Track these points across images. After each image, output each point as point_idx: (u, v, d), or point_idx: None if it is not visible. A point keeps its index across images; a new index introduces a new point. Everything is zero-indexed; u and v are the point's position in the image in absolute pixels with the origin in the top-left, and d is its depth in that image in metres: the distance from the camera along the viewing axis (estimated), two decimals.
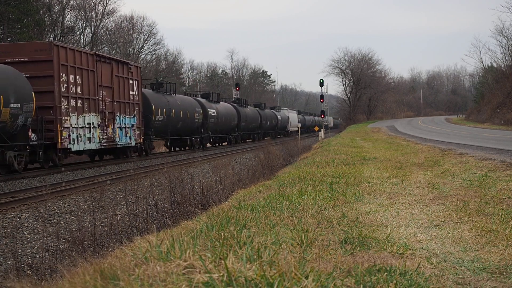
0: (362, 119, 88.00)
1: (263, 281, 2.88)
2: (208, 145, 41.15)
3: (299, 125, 60.09)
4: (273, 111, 66.71)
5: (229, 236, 4.26)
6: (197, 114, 36.87)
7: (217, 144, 45.46)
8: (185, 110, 34.73)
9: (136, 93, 27.99)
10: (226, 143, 47.08)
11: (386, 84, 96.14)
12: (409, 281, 3.43)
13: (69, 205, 13.31)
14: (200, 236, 4.47)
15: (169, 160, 22.82)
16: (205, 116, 38.71)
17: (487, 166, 11.19)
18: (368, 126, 57.01)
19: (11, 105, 18.08)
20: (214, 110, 40.68)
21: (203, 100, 40.24)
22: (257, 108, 58.24)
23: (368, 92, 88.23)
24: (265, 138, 61.04)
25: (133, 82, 27.61)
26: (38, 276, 7.69)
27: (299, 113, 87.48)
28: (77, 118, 22.05)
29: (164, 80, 36.22)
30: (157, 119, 30.40)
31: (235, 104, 49.43)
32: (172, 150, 37.69)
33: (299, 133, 51.91)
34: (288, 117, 73.71)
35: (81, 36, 54.91)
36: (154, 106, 29.92)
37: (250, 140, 55.86)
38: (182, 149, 38.53)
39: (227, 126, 45.29)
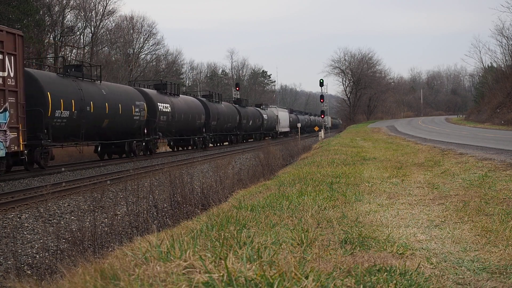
0: (362, 119, 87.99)
1: (263, 281, 2.88)
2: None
3: (299, 125, 58.53)
4: (257, 108, 58.16)
5: (229, 236, 4.26)
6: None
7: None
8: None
9: (11, 75, 17.62)
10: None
11: (386, 84, 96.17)
12: (409, 281, 3.43)
13: (69, 205, 13.31)
14: (200, 236, 4.47)
15: (169, 160, 22.84)
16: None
17: (487, 166, 11.19)
18: (368, 126, 57.00)
19: None
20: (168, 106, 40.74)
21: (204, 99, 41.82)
22: (237, 105, 50.30)
23: (368, 92, 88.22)
24: (249, 140, 55.41)
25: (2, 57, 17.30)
26: (38, 276, 7.69)
27: (291, 112, 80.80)
28: None
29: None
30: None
31: (204, 99, 41.04)
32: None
33: (299, 133, 51.84)
34: (277, 116, 65.68)
35: (81, 36, 54.99)
36: (263, 116, 42.21)
37: (227, 142, 47.60)
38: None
39: (188, 126, 36.42)
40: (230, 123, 45.37)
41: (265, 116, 58.57)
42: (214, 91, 56.73)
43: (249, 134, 55.11)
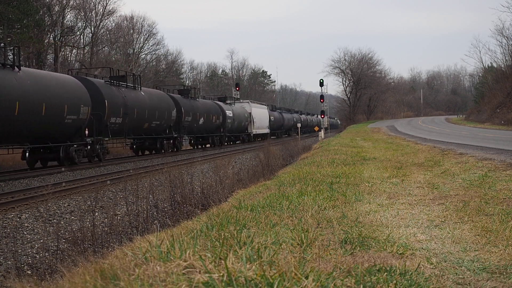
0: (362, 119, 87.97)
1: (263, 281, 2.88)
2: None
3: (299, 125, 56.36)
4: (217, 102, 44.65)
5: (229, 236, 4.26)
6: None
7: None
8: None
9: None
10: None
11: (386, 84, 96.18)
12: (409, 281, 3.43)
13: (69, 205, 13.31)
14: (200, 236, 4.47)
15: (169, 160, 22.83)
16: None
17: (487, 166, 11.18)
18: (368, 126, 56.99)
19: None
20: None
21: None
22: (181, 96, 37.41)
23: (368, 92, 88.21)
24: (206, 145, 42.23)
25: None
26: (38, 276, 7.69)
27: (274, 109, 68.13)
28: None
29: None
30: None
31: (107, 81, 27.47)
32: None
33: (299, 133, 51.82)
34: (251, 113, 52.15)
35: (81, 36, 55.01)
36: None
37: (151, 152, 33.17)
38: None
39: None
40: (159, 121, 31.29)
41: (228, 113, 44.41)
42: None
43: (204, 137, 41.55)
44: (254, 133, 52.97)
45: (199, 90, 43.06)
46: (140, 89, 30.49)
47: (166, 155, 28.11)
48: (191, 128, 37.37)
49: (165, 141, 32.87)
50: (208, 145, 42.51)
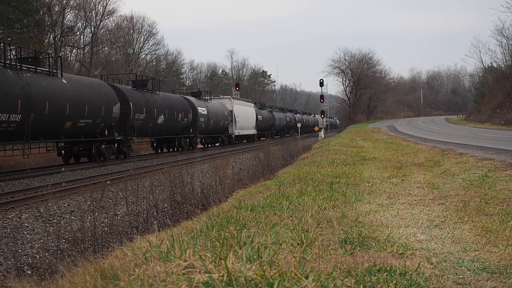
0: (362, 119, 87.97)
1: (263, 281, 2.88)
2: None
3: (301, 125, 55.61)
4: (186, 97, 37.54)
5: (229, 236, 4.26)
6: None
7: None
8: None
9: None
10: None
11: (386, 84, 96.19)
12: (409, 281, 3.43)
13: (69, 205, 13.31)
14: (200, 236, 4.47)
15: (169, 160, 22.84)
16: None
17: (487, 166, 11.18)
18: (368, 126, 56.98)
19: None
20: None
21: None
22: (133, 88, 30.05)
23: (368, 92, 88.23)
24: (164, 150, 34.66)
25: None
26: (38, 276, 7.69)
27: (262, 107, 60.98)
28: None
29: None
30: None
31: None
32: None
33: (299, 133, 51.78)
34: (232, 111, 45.16)
35: (81, 36, 55.02)
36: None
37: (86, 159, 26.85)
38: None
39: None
40: (89, 119, 23.81)
41: (201, 111, 37.05)
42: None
43: (169, 140, 34.45)
44: (236, 134, 45.91)
45: (158, 81, 34.20)
46: (60, 76, 22.49)
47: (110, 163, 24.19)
48: (144, 127, 29.50)
49: (103, 145, 25.64)
50: (173, 151, 35.23)
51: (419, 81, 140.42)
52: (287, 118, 70.59)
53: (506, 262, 4.15)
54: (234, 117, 45.33)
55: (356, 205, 7.07)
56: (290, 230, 5.07)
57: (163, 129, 32.15)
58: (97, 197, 11.64)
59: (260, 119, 55.24)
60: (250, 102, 55.25)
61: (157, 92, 32.56)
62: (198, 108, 37.10)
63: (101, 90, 25.46)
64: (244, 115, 48.70)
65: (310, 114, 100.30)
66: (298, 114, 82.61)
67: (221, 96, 48.85)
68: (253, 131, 51.74)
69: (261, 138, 57.35)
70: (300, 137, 48.13)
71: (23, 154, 21.75)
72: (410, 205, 7.12)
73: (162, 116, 31.51)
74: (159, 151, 35.01)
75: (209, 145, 43.41)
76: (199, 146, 39.87)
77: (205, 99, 41.10)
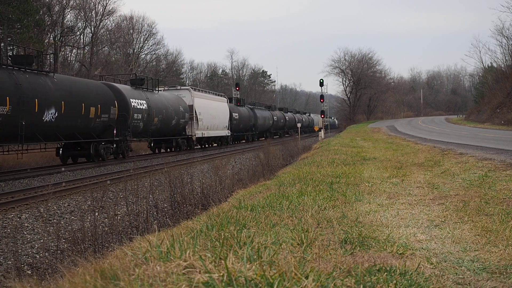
0: (362, 119, 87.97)
1: (263, 281, 2.88)
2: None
3: (299, 125, 53.34)
4: (111, 85, 27.36)
5: (229, 236, 4.26)
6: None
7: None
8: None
9: None
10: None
11: (386, 84, 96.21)
12: (409, 281, 3.43)
13: (69, 205, 13.31)
14: (200, 236, 4.47)
15: (169, 160, 22.84)
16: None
17: (487, 166, 11.18)
18: (368, 126, 56.97)
19: None
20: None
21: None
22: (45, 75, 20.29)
23: (368, 92, 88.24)
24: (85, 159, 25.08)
25: None
26: (38, 276, 7.69)
27: (240, 104, 49.89)
28: None
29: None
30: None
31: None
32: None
33: (299, 133, 51.75)
34: (193, 107, 35.18)
35: (81, 36, 55.03)
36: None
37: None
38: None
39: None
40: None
41: (137, 104, 27.51)
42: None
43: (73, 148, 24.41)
44: (198, 135, 35.92)
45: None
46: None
47: None
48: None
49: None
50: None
51: (419, 81, 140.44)
52: (274, 117, 60.50)
53: (506, 262, 4.15)
54: (196, 114, 35.24)
55: (356, 205, 7.07)
56: (290, 230, 5.07)
57: (53, 129, 21.06)
58: (97, 197, 11.64)
59: (236, 117, 45.64)
60: (222, 96, 45.31)
61: (51, 74, 22.02)
62: (132, 100, 27.10)
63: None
64: (211, 111, 38.48)
65: (305, 113, 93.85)
66: (289, 113, 73.39)
67: (178, 87, 38.80)
68: (224, 132, 42.35)
69: (242, 141, 49.88)
70: (291, 139, 42.93)
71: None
72: (410, 205, 7.12)
73: (52, 111, 20.68)
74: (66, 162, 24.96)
75: (160, 150, 34.59)
76: (146, 152, 33.59)
77: (147, 89, 30.50)
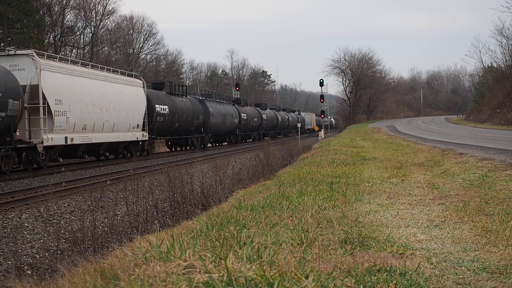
0: (362, 119, 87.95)
1: (263, 281, 2.88)
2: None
3: (299, 125, 52.14)
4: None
5: (229, 236, 4.26)
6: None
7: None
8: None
9: None
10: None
11: (386, 84, 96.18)
12: (409, 281, 3.43)
13: (69, 205, 13.31)
14: (200, 236, 4.47)
15: (169, 160, 22.83)
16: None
17: (487, 166, 11.18)
18: (368, 126, 56.97)
19: None
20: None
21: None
22: None
23: (368, 92, 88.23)
24: None
25: None
26: (38, 276, 7.69)
27: (182, 93, 35.68)
28: None
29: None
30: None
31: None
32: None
33: (299, 133, 51.72)
34: (39, 88, 19.30)
35: (81, 36, 55.01)
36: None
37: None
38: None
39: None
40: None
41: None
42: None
43: None
44: (48, 144, 19.91)
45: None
46: None
47: None
48: None
49: None
50: None
51: (419, 81, 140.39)
52: (243, 116, 47.17)
53: (506, 262, 4.15)
54: (48, 104, 19.95)
55: (356, 205, 7.07)
56: (290, 230, 5.07)
57: None
58: (97, 197, 11.63)
59: (164, 112, 30.96)
60: (130, 77, 28.37)
61: None
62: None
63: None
64: (92, 100, 23.06)
65: (294, 111, 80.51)
66: (269, 110, 60.31)
67: (12, 52, 20.11)
68: (135, 134, 27.27)
69: (176, 149, 36.60)
70: (271, 142, 37.58)
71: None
72: (410, 205, 7.12)
73: None
74: None
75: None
76: None
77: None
